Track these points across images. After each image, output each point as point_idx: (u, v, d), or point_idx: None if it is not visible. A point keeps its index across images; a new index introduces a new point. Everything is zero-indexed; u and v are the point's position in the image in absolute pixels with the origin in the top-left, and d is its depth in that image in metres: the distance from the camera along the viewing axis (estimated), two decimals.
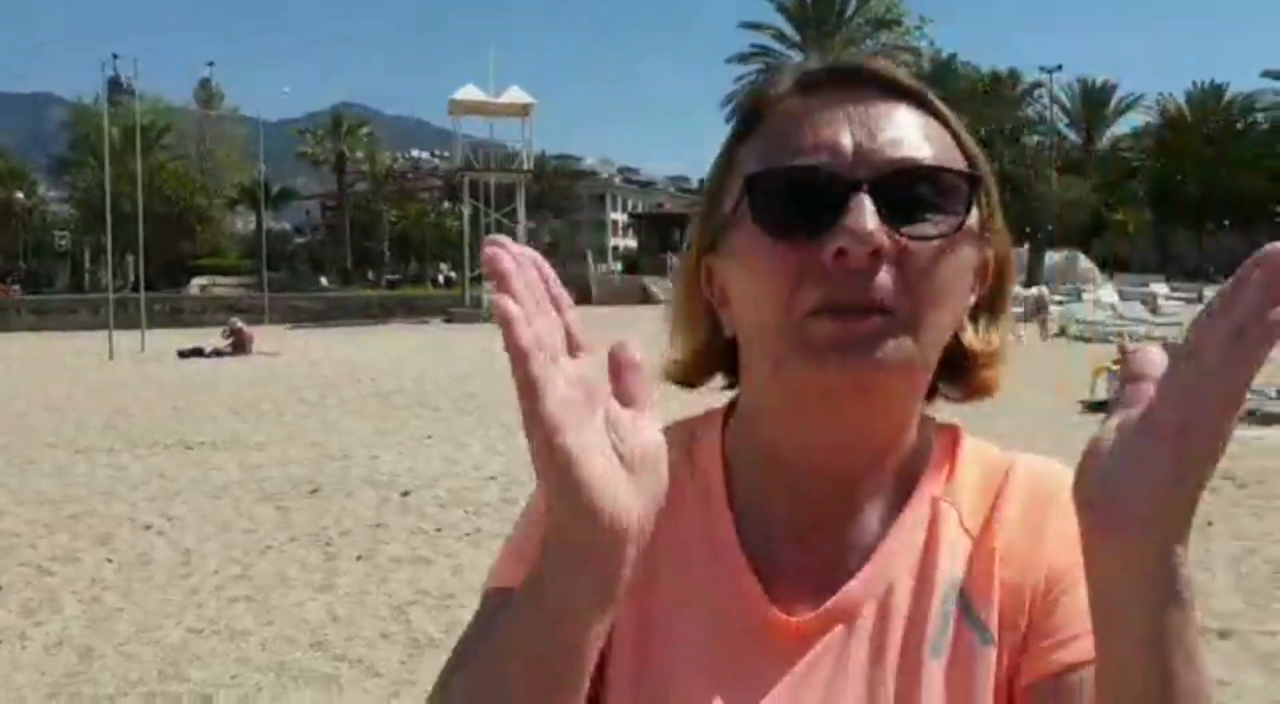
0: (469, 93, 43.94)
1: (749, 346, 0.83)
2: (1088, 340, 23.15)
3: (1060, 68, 59.08)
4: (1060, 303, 28.35)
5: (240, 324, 27.39)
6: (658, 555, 0.81)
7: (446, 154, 65.30)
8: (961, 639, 0.80)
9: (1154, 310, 27.79)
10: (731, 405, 0.91)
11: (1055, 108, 63.77)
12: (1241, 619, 5.69)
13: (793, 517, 0.84)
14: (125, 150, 41.93)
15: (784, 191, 0.77)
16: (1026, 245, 48.29)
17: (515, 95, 44.77)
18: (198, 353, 25.18)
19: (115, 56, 40.04)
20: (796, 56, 60.39)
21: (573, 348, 0.62)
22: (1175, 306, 29.81)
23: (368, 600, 6.12)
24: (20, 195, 58.44)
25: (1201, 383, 0.57)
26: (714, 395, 0.94)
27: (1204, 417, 0.56)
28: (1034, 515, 0.83)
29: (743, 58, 61.64)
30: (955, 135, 0.82)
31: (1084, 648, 0.73)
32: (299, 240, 75.69)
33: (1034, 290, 31.41)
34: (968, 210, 0.78)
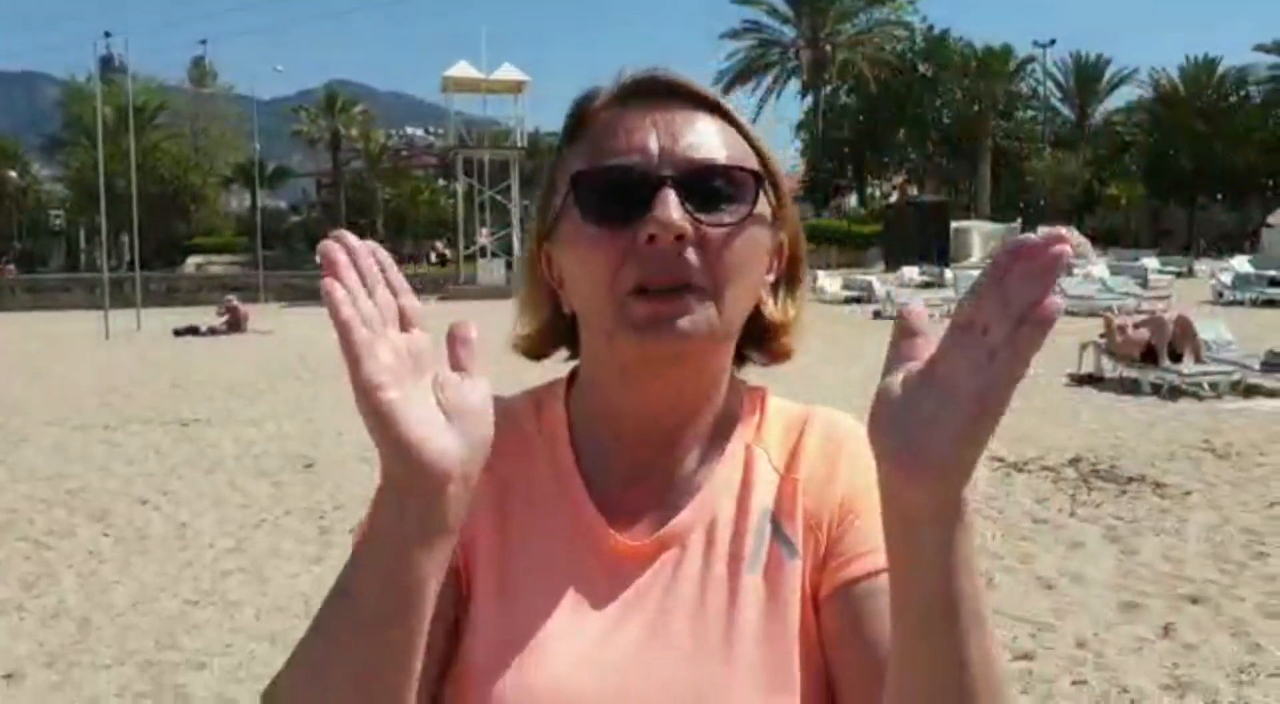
0: (462, 70, 43.71)
1: (584, 321, 0.97)
2: (1076, 314, 23.20)
3: (1054, 42, 59.12)
4: None
5: (236, 302, 27.41)
6: (514, 500, 0.99)
7: (441, 131, 65.11)
8: (774, 555, 0.95)
9: (1144, 284, 27.84)
10: (573, 374, 1.05)
11: (1048, 83, 63.71)
12: (1213, 586, 5.82)
13: (628, 463, 0.99)
14: (119, 129, 41.78)
15: (603, 187, 0.91)
16: (1019, 220, 48.29)
17: (508, 72, 44.53)
18: (193, 331, 25.24)
19: (107, 34, 40.03)
20: (790, 32, 60.21)
21: (406, 325, 0.75)
22: (1165, 280, 29.86)
23: None
24: (14, 175, 58.23)
25: (989, 359, 0.65)
26: (560, 366, 1.08)
27: (993, 387, 0.65)
28: (828, 455, 0.99)
29: (735, 34, 61.38)
30: (747, 137, 0.97)
31: (869, 563, 0.90)
32: (294, 218, 75.39)
33: None
34: (755, 201, 0.92)
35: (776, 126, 62.00)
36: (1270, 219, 40.45)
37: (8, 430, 11.82)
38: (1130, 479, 8.32)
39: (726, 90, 60.52)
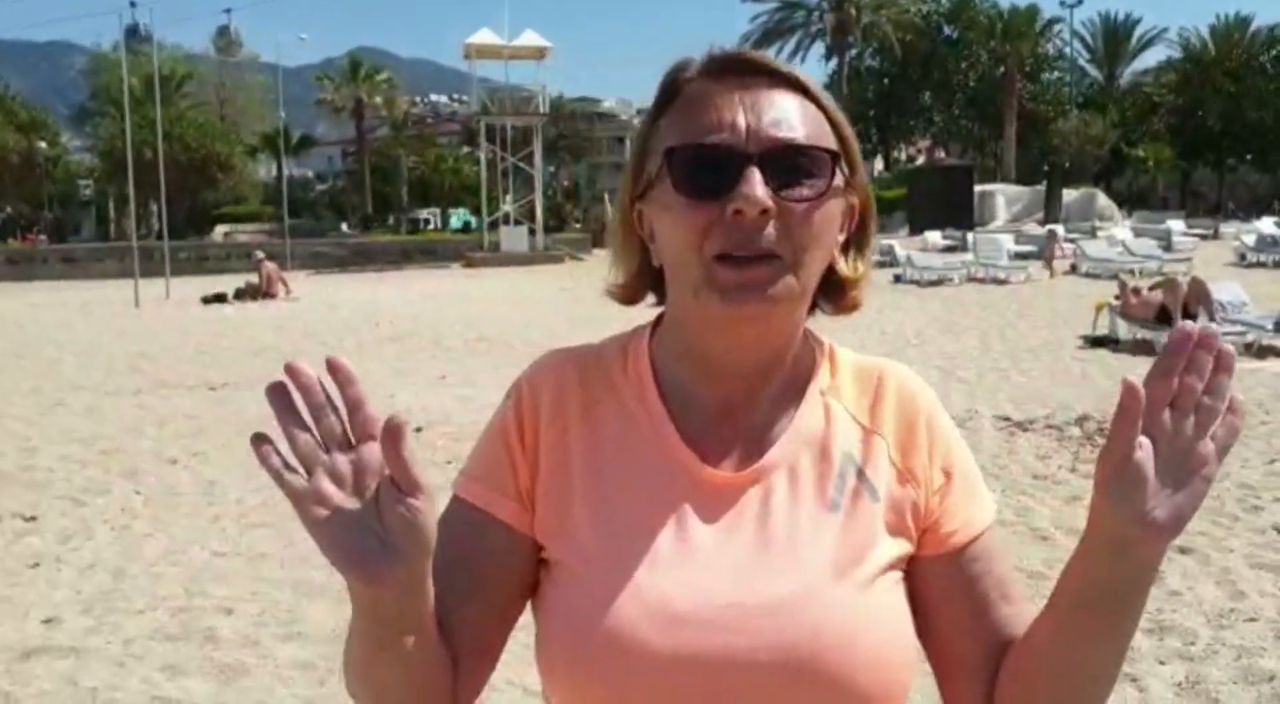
0: (484, 37, 43.68)
1: (673, 275, 1.06)
2: (1098, 277, 23.19)
3: (1081, 2, 58.28)
4: (1073, 241, 28.23)
5: (262, 256, 27.74)
6: (608, 441, 1.11)
7: (465, 98, 65.12)
8: (858, 497, 1.08)
9: (1167, 247, 27.70)
10: (658, 319, 1.15)
11: (1076, 43, 63.01)
12: (1204, 538, 5.99)
13: (716, 401, 1.10)
14: (146, 99, 41.99)
15: (695, 162, 1.00)
16: (1045, 183, 47.91)
17: (531, 39, 44.53)
18: (220, 299, 25.58)
19: (133, 4, 40.11)
20: None
21: (362, 437, 0.88)
22: (1189, 242, 29.69)
23: None
24: (43, 145, 58.62)
25: (1201, 443, 0.89)
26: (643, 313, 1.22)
27: (1212, 471, 0.90)
28: (907, 416, 1.12)
29: None
30: (825, 112, 1.05)
31: (970, 531, 1.10)
32: (320, 187, 75.70)
33: (1046, 228, 31.30)
34: (832, 177, 1.02)
35: None
36: None
37: (43, 394, 12.15)
38: None
39: None
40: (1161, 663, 4.42)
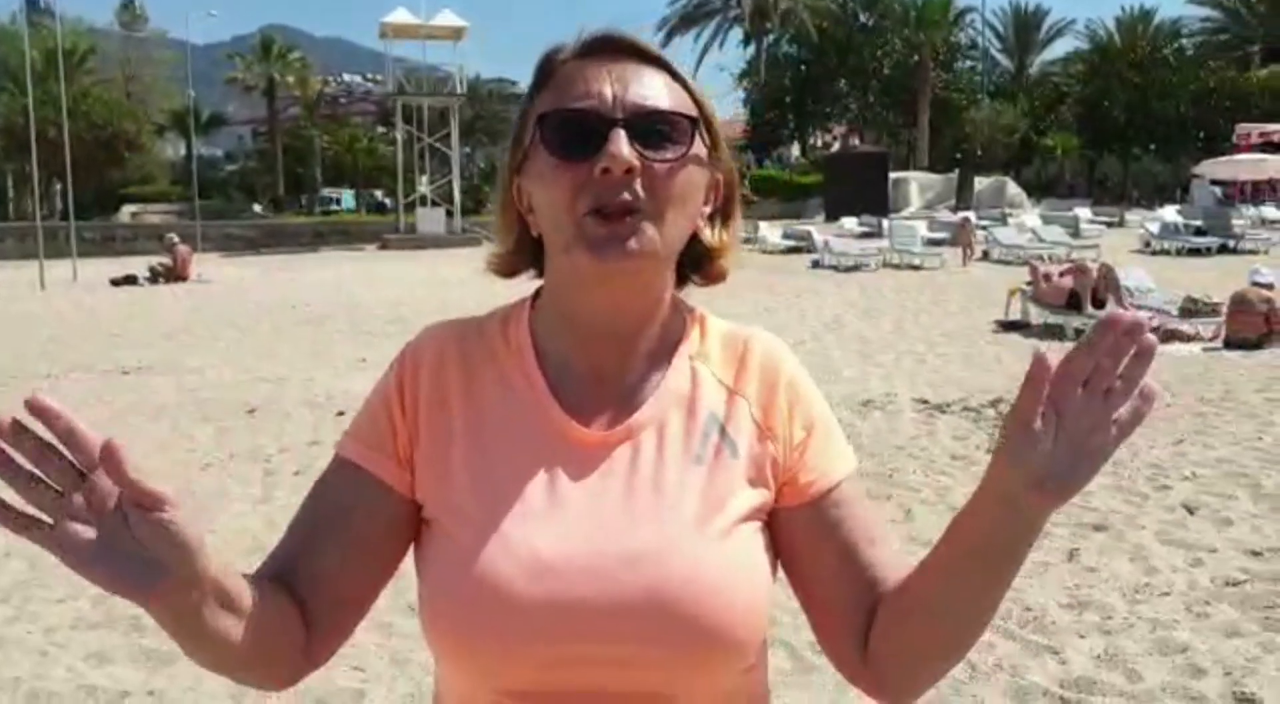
0: (400, 16, 43.13)
1: (548, 240, 1.14)
2: (1009, 263, 23.68)
3: None
4: (984, 228, 28.78)
5: (177, 239, 27.10)
6: (490, 408, 1.17)
7: (380, 78, 64.20)
8: (719, 454, 1.16)
9: (1075, 234, 28.38)
10: (537, 292, 1.23)
11: (988, 33, 64.13)
12: (1117, 516, 6.18)
13: (588, 365, 1.18)
14: (48, 74, 40.71)
15: (565, 126, 1.09)
16: (957, 171, 48.70)
17: (448, 18, 44.06)
18: (130, 281, 24.97)
19: None
20: None
21: (90, 467, 0.88)
22: (1096, 229, 30.43)
23: None
24: None
25: (1109, 424, 0.92)
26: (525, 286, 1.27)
27: (1113, 445, 0.93)
28: (768, 379, 1.20)
29: None
30: (687, 88, 1.15)
31: (829, 479, 1.18)
32: (231, 167, 74.11)
33: (958, 215, 31.86)
34: (692, 141, 1.11)
35: (719, 75, 61.96)
36: (1195, 170, 41.20)
37: None
38: None
39: (668, 38, 60.47)
40: (1081, 636, 4.57)
